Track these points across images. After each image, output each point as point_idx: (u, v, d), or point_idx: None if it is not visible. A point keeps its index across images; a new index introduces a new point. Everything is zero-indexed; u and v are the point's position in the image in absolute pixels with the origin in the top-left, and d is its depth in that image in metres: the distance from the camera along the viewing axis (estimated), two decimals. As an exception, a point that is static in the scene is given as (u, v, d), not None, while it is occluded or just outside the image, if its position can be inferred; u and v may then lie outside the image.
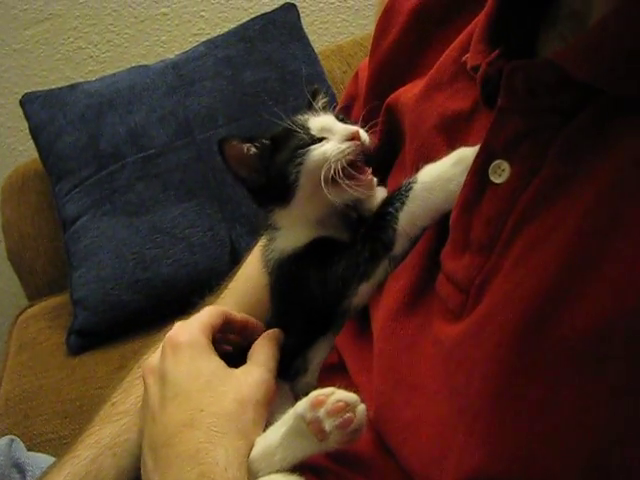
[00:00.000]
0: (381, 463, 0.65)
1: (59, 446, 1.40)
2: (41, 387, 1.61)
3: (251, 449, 0.70)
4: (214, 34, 2.04)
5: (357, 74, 1.01)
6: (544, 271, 0.52)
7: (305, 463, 0.69)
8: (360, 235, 0.75)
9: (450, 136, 0.71)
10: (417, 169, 0.73)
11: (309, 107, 0.91)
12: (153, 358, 0.80)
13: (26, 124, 1.90)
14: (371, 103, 0.89)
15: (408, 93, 0.81)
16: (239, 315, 0.88)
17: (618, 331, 0.47)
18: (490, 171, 0.60)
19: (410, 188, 0.70)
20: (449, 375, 0.59)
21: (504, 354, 0.53)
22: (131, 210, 1.77)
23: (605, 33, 0.51)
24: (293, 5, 2.02)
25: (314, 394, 0.65)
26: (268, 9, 2.03)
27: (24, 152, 2.22)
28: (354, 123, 0.85)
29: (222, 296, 1.02)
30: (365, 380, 0.72)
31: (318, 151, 0.78)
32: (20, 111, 1.91)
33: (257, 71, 1.88)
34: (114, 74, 1.95)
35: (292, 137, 0.81)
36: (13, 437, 1.02)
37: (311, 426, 0.64)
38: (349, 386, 0.72)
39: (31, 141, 1.91)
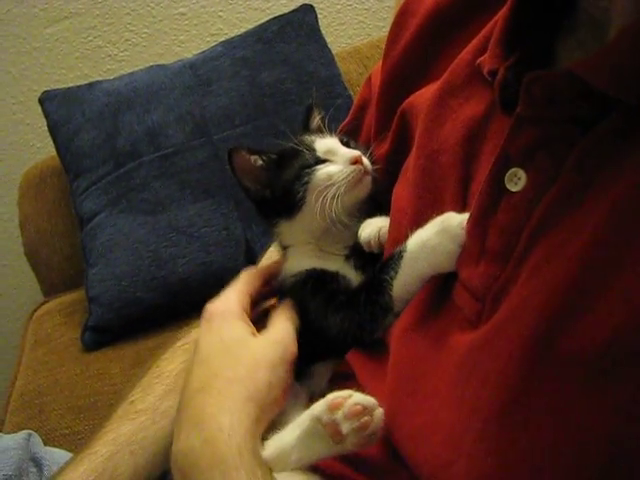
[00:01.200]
0: (392, 469, 0.66)
1: (73, 441, 1.42)
2: (56, 382, 1.62)
3: (266, 414, 0.72)
4: (232, 34, 2.05)
5: (370, 78, 1.00)
6: (559, 282, 0.52)
7: (317, 468, 0.70)
8: (362, 297, 0.77)
9: (465, 141, 0.71)
10: (429, 176, 0.74)
11: (304, 125, 0.95)
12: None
13: (44, 121, 1.91)
14: (384, 107, 0.89)
15: (422, 97, 0.81)
16: (273, 265, 0.91)
17: (631, 345, 0.47)
18: (506, 179, 0.61)
19: (401, 257, 0.73)
20: (461, 381, 0.59)
21: (518, 363, 0.53)
22: (147, 208, 1.78)
23: (626, 44, 0.51)
24: (311, 6, 2.03)
25: (331, 396, 0.65)
26: (286, 10, 2.04)
27: (42, 149, 2.23)
28: (358, 146, 0.89)
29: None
30: (374, 388, 0.72)
31: (323, 171, 0.83)
32: (39, 108, 1.92)
33: (274, 72, 1.89)
34: (132, 73, 1.96)
35: (298, 156, 0.86)
36: (31, 432, 1.02)
37: (328, 428, 0.64)
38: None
39: (49, 138, 1.92)
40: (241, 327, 0.79)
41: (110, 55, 2.25)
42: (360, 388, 0.74)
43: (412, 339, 0.69)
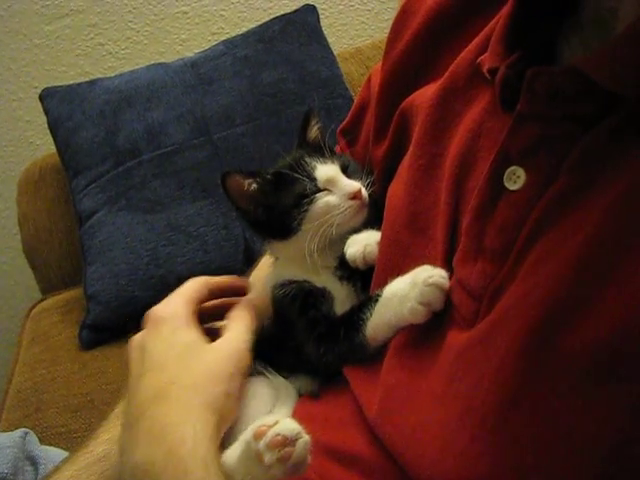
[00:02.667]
0: (382, 467, 0.65)
1: (69, 439, 1.41)
2: (53, 380, 1.62)
3: (224, 424, 0.70)
4: (233, 34, 2.05)
5: (370, 79, 1.00)
6: (557, 280, 0.51)
7: None
8: (341, 331, 0.78)
9: (465, 145, 0.70)
10: (429, 178, 0.74)
11: (302, 134, 0.93)
12: (138, 334, 0.81)
13: (45, 118, 1.91)
14: (384, 106, 0.89)
15: (422, 97, 0.80)
16: (223, 278, 0.90)
17: (631, 343, 0.46)
18: (505, 177, 0.60)
19: (377, 300, 0.74)
20: (454, 380, 0.59)
21: (514, 362, 0.53)
22: (147, 207, 1.77)
23: (633, 41, 0.50)
24: (313, 7, 2.03)
25: (258, 423, 0.64)
26: (288, 10, 2.04)
27: (42, 146, 2.23)
28: (357, 168, 0.90)
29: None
30: (364, 389, 0.72)
31: (322, 202, 0.84)
32: (39, 105, 1.91)
33: (275, 71, 1.88)
34: (133, 71, 1.96)
35: (297, 183, 0.85)
36: (27, 430, 1.02)
37: (256, 456, 0.63)
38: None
39: (49, 135, 1.91)
40: (193, 334, 0.77)
41: (111, 53, 2.25)
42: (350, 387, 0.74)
43: (409, 340, 0.69)
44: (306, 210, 0.83)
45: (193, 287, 0.85)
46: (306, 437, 0.62)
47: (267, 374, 0.82)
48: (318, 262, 0.84)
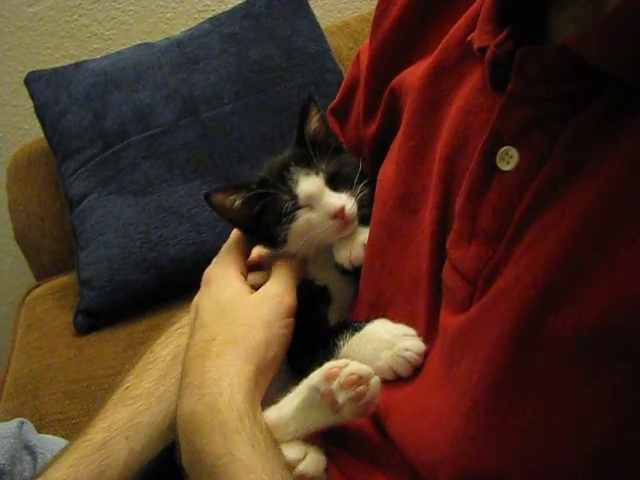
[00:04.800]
0: (385, 449, 0.66)
1: (67, 426, 1.41)
2: (49, 367, 1.61)
3: (265, 374, 0.73)
4: (219, 11, 2.02)
5: (358, 56, 0.98)
6: (549, 262, 0.51)
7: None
8: (319, 352, 0.77)
9: (458, 123, 0.69)
10: (420, 159, 0.73)
11: (300, 125, 0.89)
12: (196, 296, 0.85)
13: (31, 102, 1.88)
14: (373, 85, 0.87)
15: (412, 75, 0.79)
16: None
17: (623, 325, 0.46)
18: (497, 158, 0.59)
19: (353, 334, 0.75)
20: (453, 364, 0.59)
21: (506, 344, 0.52)
22: (137, 189, 1.76)
23: (624, 18, 0.49)
24: (299, -19, 1.99)
25: (328, 366, 0.66)
26: (274, -15, 2.00)
27: (30, 131, 2.21)
28: (352, 165, 0.87)
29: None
30: None
31: (303, 220, 0.83)
32: (25, 90, 1.89)
33: (263, 48, 1.86)
34: (119, 52, 1.93)
35: (278, 200, 0.84)
36: (23, 419, 1.03)
37: (325, 398, 0.65)
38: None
39: (37, 120, 1.89)
40: (237, 287, 0.80)
41: (96, 34, 2.21)
42: None
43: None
44: (287, 228, 0.83)
45: (237, 239, 0.89)
46: (377, 377, 0.65)
47: None
48: (315, 263, 0.86)
